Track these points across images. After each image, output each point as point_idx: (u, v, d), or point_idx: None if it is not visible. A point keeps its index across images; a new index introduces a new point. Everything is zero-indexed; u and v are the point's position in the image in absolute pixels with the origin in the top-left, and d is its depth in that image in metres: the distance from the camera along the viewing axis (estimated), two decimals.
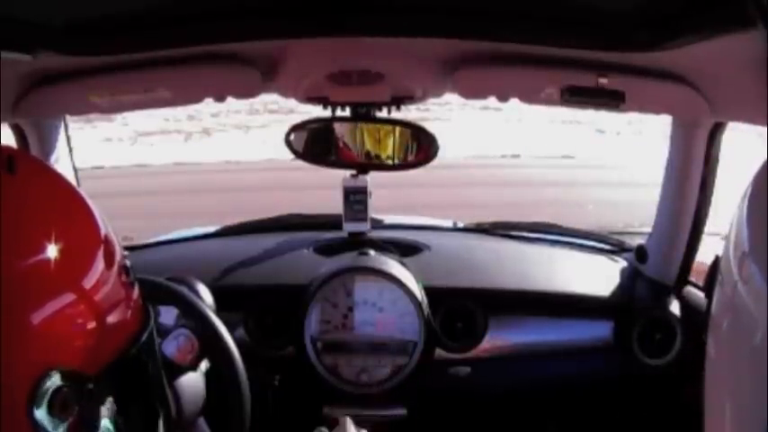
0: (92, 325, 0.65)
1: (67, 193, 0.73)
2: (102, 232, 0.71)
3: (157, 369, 0.82)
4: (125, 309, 0.71)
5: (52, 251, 0.63)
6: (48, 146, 1.51)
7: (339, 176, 1.67)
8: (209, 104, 1.41)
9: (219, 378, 1.17)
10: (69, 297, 0.64)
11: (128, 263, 0.74)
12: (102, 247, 0.69)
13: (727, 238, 0.67)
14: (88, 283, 0.66)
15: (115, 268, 0.70)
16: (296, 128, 1.60)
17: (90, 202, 0.73)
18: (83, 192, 0.74)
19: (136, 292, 0.75)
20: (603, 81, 1.18)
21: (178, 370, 1.14)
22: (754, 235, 0.61)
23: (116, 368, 0.69)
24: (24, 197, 0.66)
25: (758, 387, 0.56)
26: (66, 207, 0.71)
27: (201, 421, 1.18)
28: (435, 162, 1.59)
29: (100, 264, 0.68)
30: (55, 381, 0.61)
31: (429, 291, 1.54)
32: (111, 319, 0.68)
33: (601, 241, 1.81)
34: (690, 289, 1.58)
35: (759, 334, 0.56)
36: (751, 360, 0.58)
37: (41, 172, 0.76)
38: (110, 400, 0.68)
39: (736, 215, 0.64)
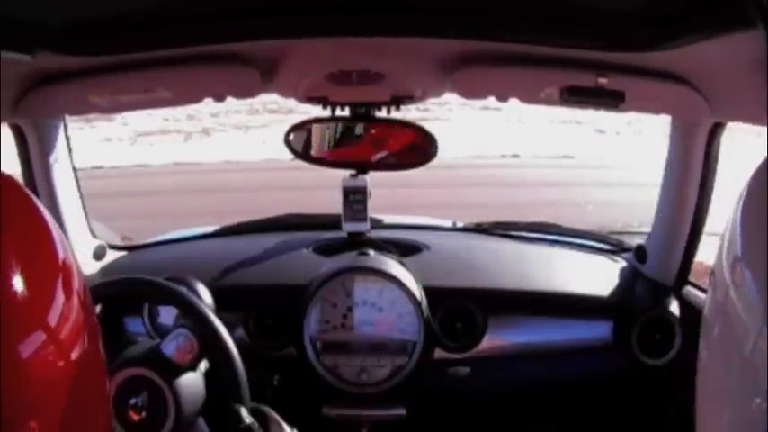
0: (60, 364, 0.59)
1: (30, 217, 0.64)
2: (62, 256, 0.63)
3: None
4: (85, 337, 0.63)
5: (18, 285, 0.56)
6: (47, 146, 1.51)
7: (339, 177, 1.67)
8: (208, 104, 1.41)
9: (219, 378, 1.17)
10: (39, 336, 0.57)
11: (84, 285, 0.66)
12: (61, 275, 0.62)
13: (721, 239, 0.65)
14: (53, 318, 0.58)
15: (75, 297, 0.62)
16: (295, 128, 1.60)
17: (51, 221, 0.64)
18: (44, 211, 0.65)
19: (93, 315, 0.67)
20: (603, 81, 1.18)
21: (178, 370, 1.14)
22: (748, 239, 0.59)
23: None
24: None
25: (748, 397, 0.55)
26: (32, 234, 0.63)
27: (201, 421, 1.18)
28: (435, 162, 1.59)
29: (60, 295, 0.60)
30: None
31: (428, 291, 1.54)
32: (75, 354, 0.61)
33: (600, 241, 1.81)
34: (689, 289, 1.58)
35: (749, 344, 0.55)
36: (741, 370, 0.57)
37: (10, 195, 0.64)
38: None
39: (731, 217, 0.63)
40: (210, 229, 1.88)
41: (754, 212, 0.60)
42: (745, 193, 0.62)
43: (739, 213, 0.61)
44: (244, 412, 1.11)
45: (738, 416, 0.58)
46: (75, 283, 0.63)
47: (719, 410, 0.63)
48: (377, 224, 1.75)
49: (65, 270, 0.62)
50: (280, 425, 1.18)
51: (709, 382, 0.66)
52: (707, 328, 0.66)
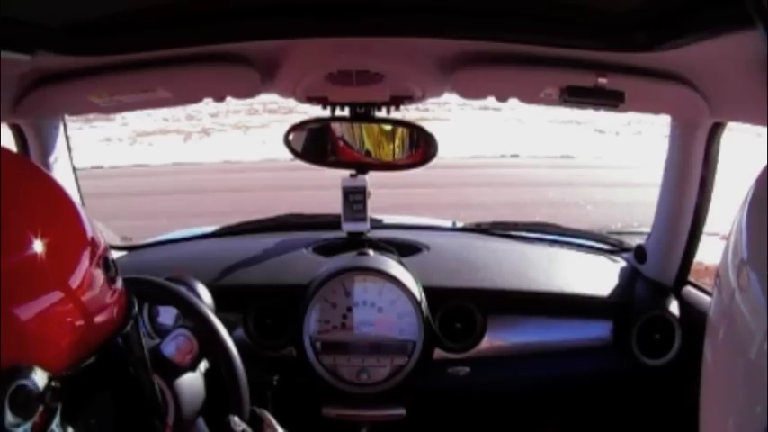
0: (79, 323, 0.66)
1: (54, 193, 0.73)
2: (89, 234, 0.71)
3: (142, 362, 0.81)
4: (110, 307, 0.71)
5: (39, 248, 0.64)
6: (47, 146, 1.51)
7: (338, 177, 1.67)
8: (208, 104, 1.41)
9: (219, 378, 1.17)
10: (57, 295, 0.64)
11: (111, 256, 0.74)
12: (88, 248, 0.69)
13: (726, 242, 0.64)
14: (75, 281, 0.66)
15: (101, 268, 0.70)
16: (295, 128, 1.60)
17: (76, 202, 0.73)
18: (69, 192, 0.74)
19: (119, 285, 0.75)
20: (603, 81, 1.18)
21: (177, 370, 1.14)
22: (753, 242, 0.58)
23: (96, 364, 0.68)
24: (11, 196, 0.66)
25: (753, 399, 0.55)
26: (52, 206, 0.71)
27: (201, 421, 1.18)
28: (434, 162, 1.59)
29: (85, 263, 0.68)
30: (24, 379, 0.60)
31: (428, 291, 1.54)
32: (98, 318, 0.68)
33: (600, 241, 1.81)
34: (689, 289, 1.58)
35: (755, 348, 0.55)
36: (746, 373, 0.57)
37: (29, 171, 0.75)
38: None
39: (736, 220, 0.62)
40: (210, 229, 1.88)
41: (759, 215, 0.59)
42: (750, 196, 0.61)
43: (744, 216, 0.60)
44: (235, 420, 1.11)
45: (743, 418, 0.58)
46: (101, 254, 0.71)
47: (724, 413, 0.63)
48: (376, 224, 1.75)
49: (93, 245, 0.71)
50: (274, 429, 1.18)
51: (714, 385, 0.66)
52: (712, 330, 0.66)
